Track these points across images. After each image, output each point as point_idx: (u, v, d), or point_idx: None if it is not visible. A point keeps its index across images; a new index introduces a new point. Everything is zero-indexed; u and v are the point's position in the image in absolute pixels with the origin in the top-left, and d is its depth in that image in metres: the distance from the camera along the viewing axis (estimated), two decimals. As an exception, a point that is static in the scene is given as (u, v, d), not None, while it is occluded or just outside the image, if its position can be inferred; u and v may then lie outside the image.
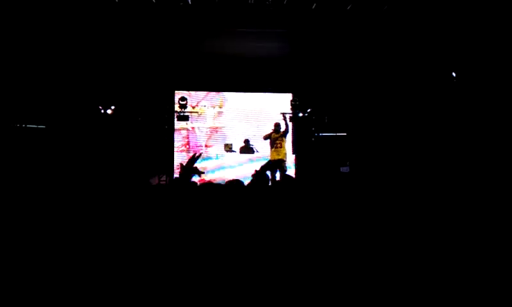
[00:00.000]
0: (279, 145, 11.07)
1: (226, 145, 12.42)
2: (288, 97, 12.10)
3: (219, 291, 2.73)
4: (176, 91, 12.14)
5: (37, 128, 10.90)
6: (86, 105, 11.11)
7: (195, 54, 11.43)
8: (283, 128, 11.15)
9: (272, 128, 11.21)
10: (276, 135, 11.11)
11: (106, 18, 9.36)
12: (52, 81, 10.71)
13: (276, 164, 10.77)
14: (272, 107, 12.36)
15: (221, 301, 2.69)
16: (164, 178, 11.63)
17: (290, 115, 11.70)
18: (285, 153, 11.15)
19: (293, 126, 12.10)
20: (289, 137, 11.66)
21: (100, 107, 11.07)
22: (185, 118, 11.88)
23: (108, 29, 9.92)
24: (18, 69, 10.09)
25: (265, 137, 11.36)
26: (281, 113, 11.43)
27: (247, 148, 12.13)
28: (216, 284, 2.77)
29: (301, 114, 11.58)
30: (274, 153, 11.02)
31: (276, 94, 12.45)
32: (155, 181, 11.60)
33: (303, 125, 11.95)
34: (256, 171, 5.13)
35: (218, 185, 4.62)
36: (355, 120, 11.56)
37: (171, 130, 12.18)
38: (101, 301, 2.72)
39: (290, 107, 11.78)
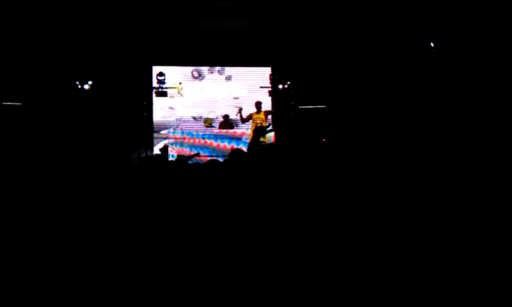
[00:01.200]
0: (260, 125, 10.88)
1: (206, 120, 12.34)
2: (267, 71, 12.04)
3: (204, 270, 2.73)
4: (153, 66, 11.97)
5: (13, 105, 10.70)
6: (62, 81, 10.90)
7: (173, 28, 11.27)
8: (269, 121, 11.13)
9: (254, 110, 11.10)
10: (257, 115, 11.00)
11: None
12: (28, 57, 10.47)
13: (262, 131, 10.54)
14: (251, 81, 12.29)
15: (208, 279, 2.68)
16: (143, 153, 11.55)
17: (270, 89, 11.68)
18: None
19: (272, 100, 12.10)
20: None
21: (77, 83, 10.86)
22: (164, 94, 11.75)
23: (83, 3, 9.71)
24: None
25: (244, 120, 11.29)
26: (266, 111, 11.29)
27: (226, 123, 12.07)
28: (198, 262, 2.76)
29: (280, 86, 11.51)
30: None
31: (255, 68, 12.34)
32: (135, 156, 11.52)
33: (283, 98, 11.93)
34: (233, 148, 5.12)
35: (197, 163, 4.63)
36: (334, 92, 11.55)
37: (150, 106, 12.03)
38: (85, 287, 2.69)
39: (269, 80, 11.72)
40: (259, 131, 9.85)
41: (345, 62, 11.23)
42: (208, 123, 12.30)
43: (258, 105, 11.03)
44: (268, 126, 10.23)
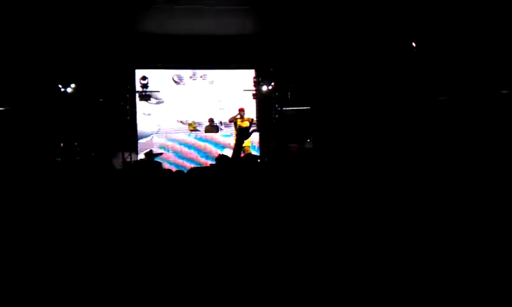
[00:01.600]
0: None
1: (190, 125, 12.28)
2: (251, 74, 12.05)
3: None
4: (136, 70, 11.88)
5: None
6: (45, 84, 10.77)
7: (156, 31, 11.22)
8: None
9: (237, 113, 10.90)
10: (241, 123, 10.76)
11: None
12: (10, 60, 10.34)
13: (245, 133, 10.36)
14: (235, 84, 12.29)
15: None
16: (128, 157, 11.45)
17: (254, 92, 11.67)
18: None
19: (256, 103, 12.10)
20: (251, 113, 11.75)
21: (60, 86, 10.75)
22: (147, 98, 11.68)
23: (66, 6, 9.62)
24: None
25: (231, 120, 11.17)
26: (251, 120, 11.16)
27: (212, 127, 12.02)
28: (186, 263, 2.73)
29: (264, 88, 11.50)
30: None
31: (239, 70, 12.34)
32: (119, 161, 11.41)
33: (266, 101, 11.94)
34: (219, 154, 5.11)
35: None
36: (319, 93, 11.58)
37: (133, 109, 11.95)
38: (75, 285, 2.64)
39: (253, 83, 11.73)
40: (242, 133, 9.78)
41: (329, 63, 11.28)
42: (193, 126, 12.24)
43: (242, 112, 10.81)
44: (250, 127, 10.16)
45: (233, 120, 10.94)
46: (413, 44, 10.24)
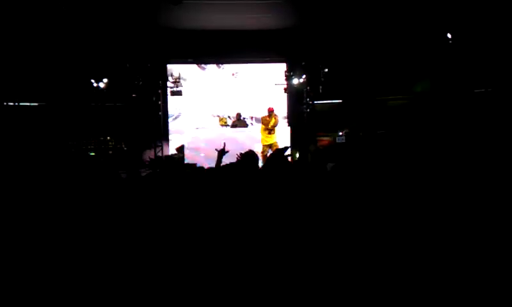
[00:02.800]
0: (273, 131, 11.24)
1: (221, 119, 12.30)
2: (282, 67, 11.99)
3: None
4: (168, 65, 11.99)
5: (30, 106, 10.85)
6: (78, 80, 10.98)
7: (187, 26, 11.27)
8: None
9: (267, 114, 11.27)
10: (269, 120, 11.22)
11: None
12: (43, 56, 10.58)
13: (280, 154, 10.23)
14: (266, 78, 12.25)
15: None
16: (160, 152, 11.59)
17: (285, 86, 11.60)
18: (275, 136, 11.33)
19: (288, 97, 12.03)
20: (282, 107, 11.82)
21: (93, 81, 10.94)
22: (179, 93, 11.75)
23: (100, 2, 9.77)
24: (8, 47, 9.99)
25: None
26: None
27: (240, 122, 12.04)
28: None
29: (296, 81, 11.41)
30: (264, 136, 11.23)
31: (270, 64, 12.28)
32: (151, 154, 11.56)
33: (297, 95, 11.85)
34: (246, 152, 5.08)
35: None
36: (351, 87, 11.41)
37: (165, 104, 12.07)
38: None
39: (284, 77, 11.65)
40: (277, 154, 9.57)
41: (362, 55, 11.09)
42: (223, 121, 12.26)
43: (271, 112, 11.27)
44: (285, 150, 10.04)
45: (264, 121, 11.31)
46: (448, 35, 10.00)
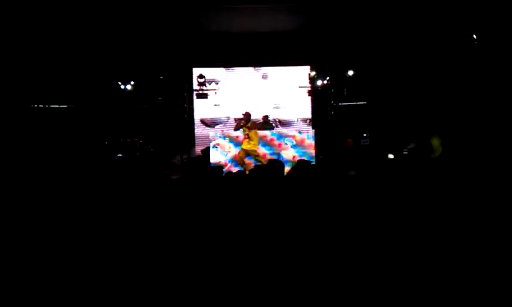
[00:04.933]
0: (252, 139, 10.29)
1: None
2: (306, 70, 12.08)
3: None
4: (194, 68, 12.14)
5: (59, 108, 11.06)
6: (106, 82, 11.19)
7: (211, 30, 11.43)
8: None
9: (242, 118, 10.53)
10: (248, 131, 10.26)
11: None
12: (71, 59, 10.80)
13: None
14: (290, 81, 12.34)
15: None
16: (186, 155, 11.71)
17: (309, 89, 11.69)
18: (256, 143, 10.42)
19: (311, 99, 12.10)
20: (306, 110, 11.78)
21: (120, 83, 11.14)
22: (204, 96, 11.88)
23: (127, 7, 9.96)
24: (39, 50, 10.21)
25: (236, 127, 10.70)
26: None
27: (266, 124, 12.10)
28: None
29: (319, 83, 11.48)
30: (246, 142, 10.26)
31: (294, 67, 12.37)
32: (177, 160, 11.69)
33: (321, 97, 11.92)
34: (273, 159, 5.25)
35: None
36: (375, 88, 11.45)
37: (191, 107, 12.22)
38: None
39: (308, 80, 11.74)
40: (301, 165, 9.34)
41: (386, 57, 11.14)
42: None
43: (247, 117, 10.42)
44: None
45: (238, 127, 10.55)
46: (474, 36, 10.00)
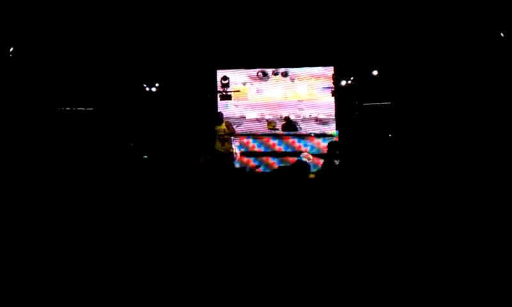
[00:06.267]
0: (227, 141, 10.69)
1: (269, 123, 12.32)
2: (330, 70, 12.03)
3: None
4: (218, 70, 12.17)
5: (85, 110, 11.18)
6: (130, 84, 11.30)
7: (234, 32, 11.47)
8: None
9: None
10: (219, 127, 10.64)
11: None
12: (99, 65, 10.93)
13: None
14: (314, 82, 12.30)
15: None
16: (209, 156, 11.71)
17: (333, 89, 11.66)
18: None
19: (335, 100, 12.05)
20: (329, 111, 11.81)
21: (145, 85, 11.24)
22: (228, 97, 11.92)
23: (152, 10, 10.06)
24: (66, 54, 10.36)
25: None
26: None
27: (289, 125, 12.07)
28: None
29: (343, 83, 11.43)
30: (219, 144, 10.60)
31: (318, 68, 12.30)
32: (201, 161, 11.70)
33: (346, 97, 11.86)
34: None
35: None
36: (400, 88, 11.35)
37: (215, 109, 12.24)
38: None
39: (332, 80, 11.70)
40: (333, 146, 9.26)
41: (410, 56, 11.05)
42: (272, 125, 12.28)
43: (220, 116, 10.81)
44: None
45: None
46: (501, 34, 9.88)
